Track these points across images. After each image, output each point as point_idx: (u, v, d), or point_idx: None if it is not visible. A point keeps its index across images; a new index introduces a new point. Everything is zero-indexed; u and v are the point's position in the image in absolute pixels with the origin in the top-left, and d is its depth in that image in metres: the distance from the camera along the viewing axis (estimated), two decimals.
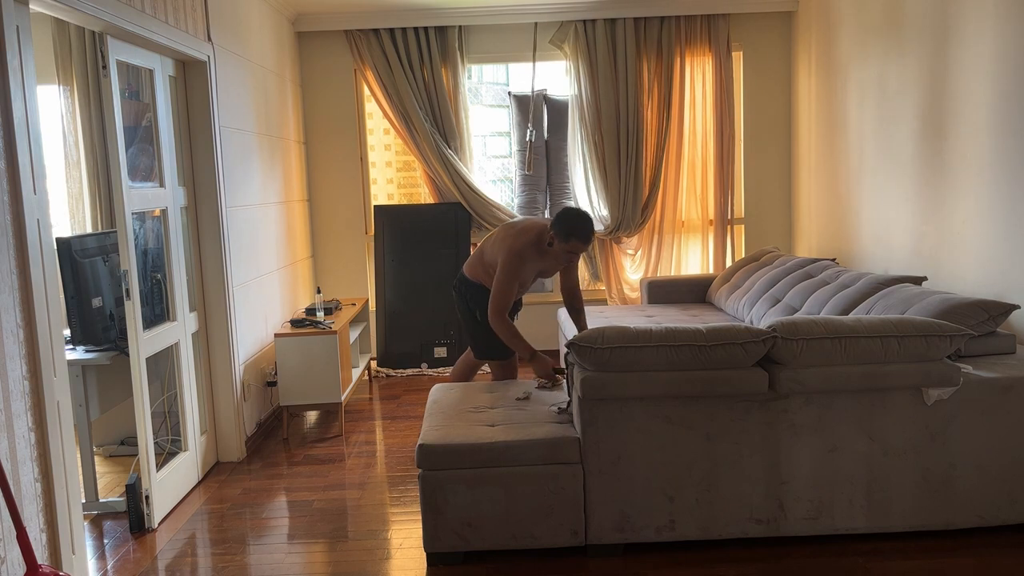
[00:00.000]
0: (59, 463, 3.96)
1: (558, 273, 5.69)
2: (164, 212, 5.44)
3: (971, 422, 4.29)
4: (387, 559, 4.52)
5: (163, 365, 5.63)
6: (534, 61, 8.58)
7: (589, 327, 5.23)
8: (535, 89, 8.60)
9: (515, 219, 6.47)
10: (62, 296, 5.10)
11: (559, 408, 4.69)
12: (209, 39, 5.88)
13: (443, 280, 8.59)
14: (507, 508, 4.28)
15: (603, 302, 9.01)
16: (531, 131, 8.58)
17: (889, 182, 6.43)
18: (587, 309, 7.41)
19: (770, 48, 8.70)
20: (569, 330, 6.77)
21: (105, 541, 4.91)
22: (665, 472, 4.27)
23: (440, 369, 8.59)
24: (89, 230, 6.70)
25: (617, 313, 7.38)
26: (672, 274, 8.72)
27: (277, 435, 6.77)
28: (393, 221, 8.63)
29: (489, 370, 6.46)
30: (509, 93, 8.73)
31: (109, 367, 5.35)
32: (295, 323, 6.89)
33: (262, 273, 6.94)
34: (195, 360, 5.84)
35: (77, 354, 5.19)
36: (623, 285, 8.89)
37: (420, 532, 4.65)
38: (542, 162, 8.71)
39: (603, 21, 8.36)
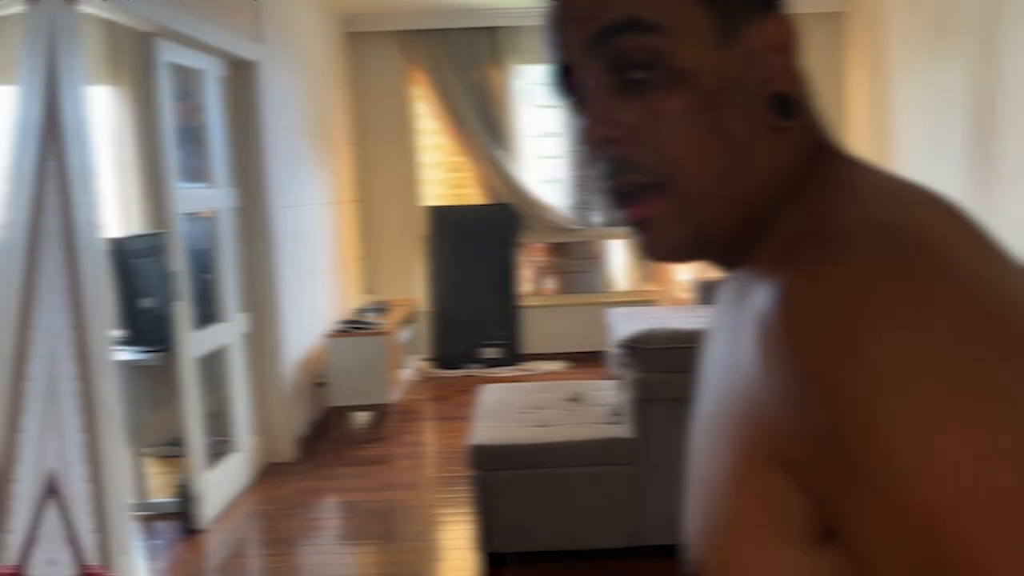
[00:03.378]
0: (109, 464, 3.96)
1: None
2: (214, 213, 5.44)
3: None
4: (437, 560, 4.50)
5: (214, 366, 5.63)
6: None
7: (641, 328, 5.00)
8: None
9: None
10: (113, 297, 5.12)
11: (611, 409, 4.65)
12: (260, 40, 5.88)
13: (493, 281, 8.56)
14: (559, 509, 4.24)
15: (653, 303, 8.95)
16: None
17: (938, 185, 6.32)
18: (637, 310, 7.35)
19: (820, 49, 8.59)
20: (619, 331, 6.71)
21: (156, 542, 4.92)
22: None
23: (491, 370, 8.56)
24: (140, 231, 6.73)
25: (668, 314, 7.32)
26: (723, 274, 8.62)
27: (327, 436, 6.77)
28: (444, 222, 8.61)
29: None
30: None
31: (160, 368, 5.36)
32: (346, 324, 6.89)
33: (312, 274, 6.94)
34: (246, 361, 5.84)
35: (128, 355, 5.21)
36: (673, 285, 8.82)
37: (470, 533, 4.62)
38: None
39: None
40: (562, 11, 0.89)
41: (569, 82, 0.91)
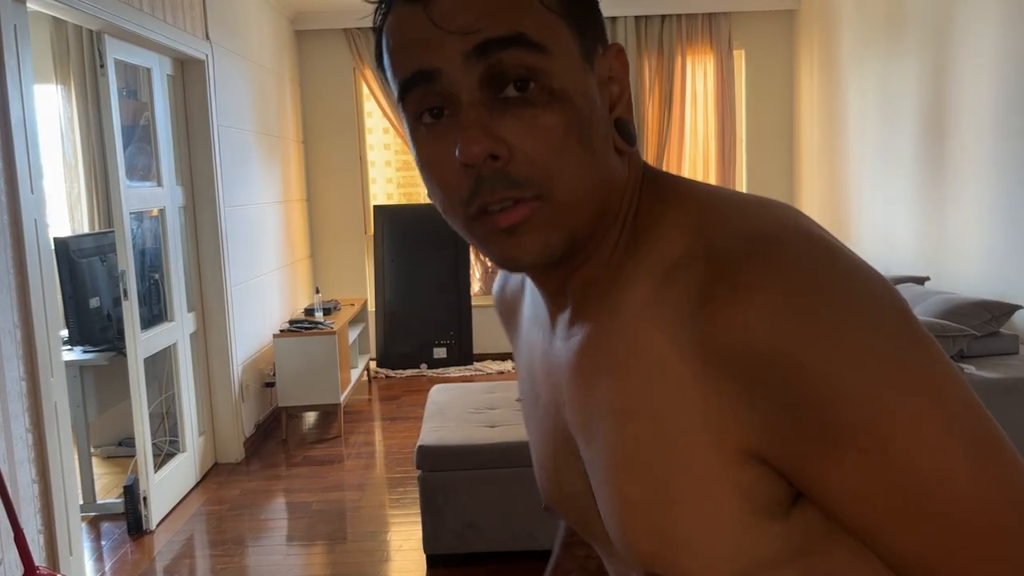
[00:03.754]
0: (56, 464, 3.94)
1: None
2: (162, 212, 5.41)
3: None
4: (386, 561, 4.50)
5: (161, 366, 5.60)
6: None
7: None
8: None
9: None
10: (59, 296, 5.08)
11: None
12: (207, 38, 5.85)
13: (443, 281, 8.56)
14: (508, 510, 4.26)
15: None
16: None
17: (891, 182, 6.41)
18: None
19: (772, 47, 8.67)
20: None
21: (103, 543, 4.88)
22: None
23: (439, 370, 8.55)
24: (87, 230, 6.67)
25: None
26: None
27: (276, 436, 6.74)
28: (393, 221, 8.60)
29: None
30: None
31: (107, 368, 5.33)
32: (294, 323, 6.86)
33: (261, 273, 6.91)
34: (193, 361, 5.81)
35: (75, 355, 5.17)
36: None
37: (420, 534, 4.62)
38: None
39: (604, 19, 8.32)
40: (440, 19, 0.86)
41: (424, 92, 0.88)
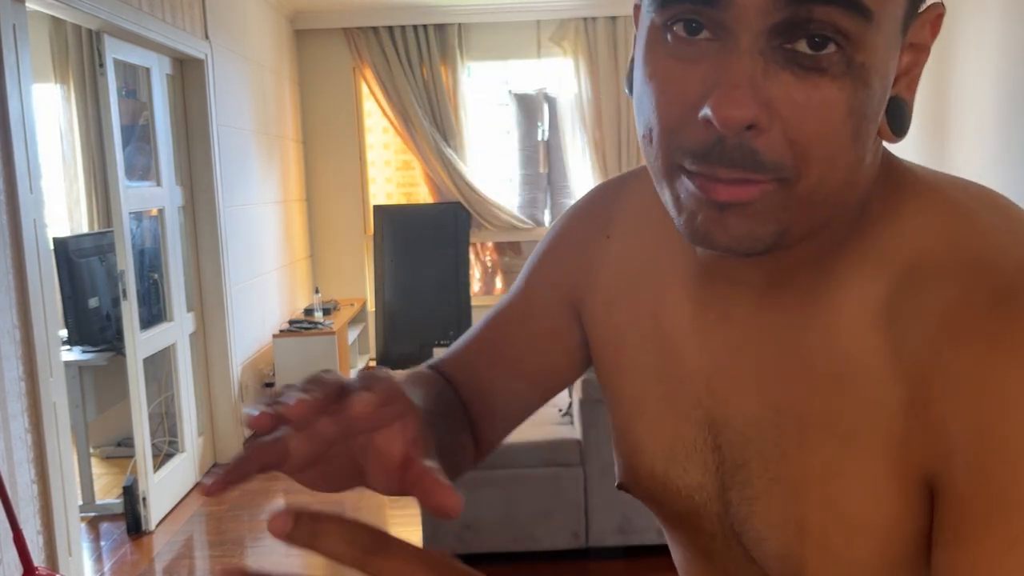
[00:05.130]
0: (56, 464, 3.93)
1: None
2: (161, 212, 5.40)
3: None
4: None
5: (160, 366, 5.59)
6: (539, 59, 8.55)
7: None
8: (537, 87, 8.58)
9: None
10: (58, 296, 5.07)
11: (561, 410, 4.66)
12: (207, 37, 5.84)
13: (443, 281, 8.55)
14: (507, 510, 4.25)
15: None
16: (542, 130, 8.56)
17: None
18: None
19: None
20: None
21: (102, 543, 4.88)
22: None
23: None
24: (86, 230, 6.66)
25: None
26: None
27: None
28: (392, 221, 8.58)
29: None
30: (510, 92, 8.70)
31: (106, 368, 5.32)
32: (293, 324, 6.85)
33: (260, 273, 6.90)
34: (192, 361, 5.80)
35: (74, 355, 5.16)
36: None
37: (420, 534, 4.61)
38: (547, 160, 8.68)
39: (604, 19, 8.32)
40: None
41: (696, 11, 0.69)
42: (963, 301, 0.72)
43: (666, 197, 0.77)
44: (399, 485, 0.77)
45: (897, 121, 0.77)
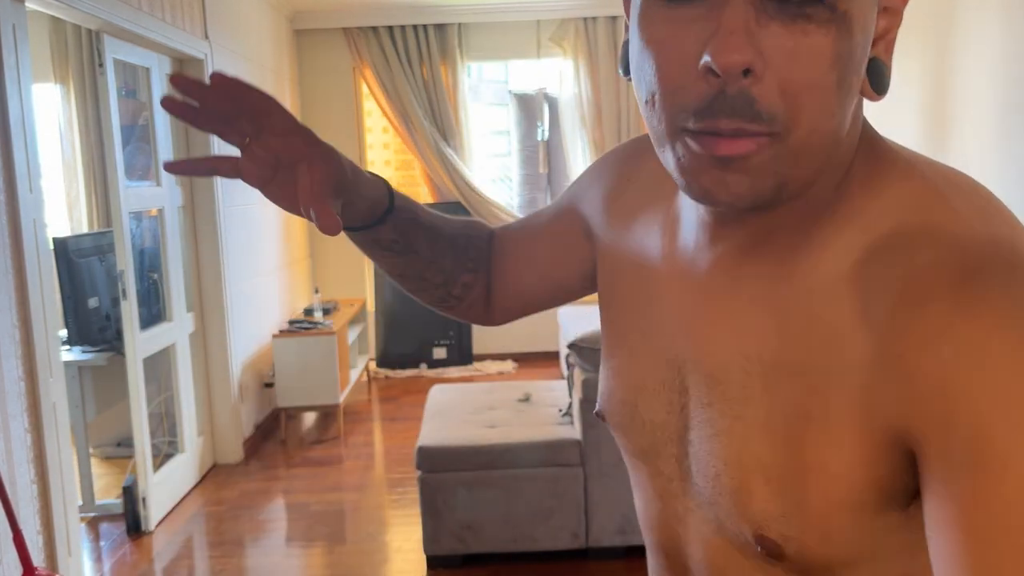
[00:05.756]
0: (55, 465, 3.92)
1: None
2: (161, 211, 5.40)
3: None
4: (386, 562, 4.49)
5: (160, 366, 5.59)
6: (539, 59, 8.55)
7: (589, 328, 5.01)
8: (537, 87, 8.58)
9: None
10: (58, 296, 5.06)
11: (561, 411, 4.65)
12: (206, 37, 5.84)
13: None
14: (507, 511, 4.25)
15: None
16: (542, 130, 8.56)
17: None
18: (588, 309, 7.36)
19: None
20: (570, 331, 6.73)
21: (102, 543, 4.87)
22: None
23: (439, 370, 8.54)
24: (85, 230, 6.66)
25: None
26: None
27: (275, 437, 6.72)
28: None
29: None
30: (510, 92, 8.70)
31: (105, 368, 5.31)
32: (293, 324, 6.85)
33: (260, 273, 6.90)
34: (192, 361, 5.80)
35: (73, 355, 5.15)
36: None
37: (419, 535, 4.61)
38: (547, 160, 8.69)
39: (604, 19, 8.32)
40: None
41: None
42: (932, 270, 0.76)
43: (668, 160, 0.82)
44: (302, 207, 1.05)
45: (877, 80, 0.82)
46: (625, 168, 1.16)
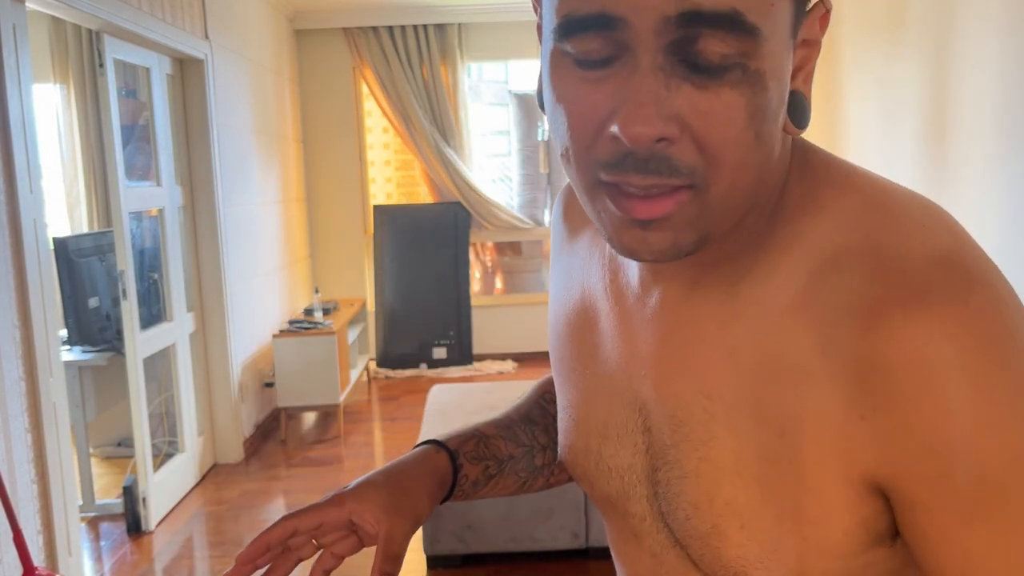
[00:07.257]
0: (55, 464, 3.92)
1: None
2: (161, 211, 5.40)
3: None
4: None
5: (160, 366, 5.59)
6: (539, 58, 8.55)
7: None
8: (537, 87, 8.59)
9: None
10: (58, 296, 5.06)
11: None
12: (207, 37, 5.84)
13: (443, 281, 8.55)
14: (507, 511, 4.25)
15: None
16: (542, 130, 8.56)
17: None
18: None
19: None
20: None
21: (102, 543, 4.87)
22: None
23: (439, 370, 8.54)
24: (86, 230, 6.66)
25: None
26: None
27: (275, 437, 6.72)
28: (392, 221, 8.59)
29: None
30: (510, 92, 8.70)
31: (106, 368, 5.31)
32: (293, 324, 6.85)
33: (260, 273, 6.90)
34: (192, 361, 5.80)
35: (73, 355, 5.15)
36: None
37: (420, 534, 4.62)
38: (547, 160, 8.69)
39: None
40: None
41: (596, 39, 0.73)
42: (883, 295, 0.75)
43: (591, 213, 0.81)
44: None
45: (797, 114, 0.81)
46: (561, 236, 1.14)
